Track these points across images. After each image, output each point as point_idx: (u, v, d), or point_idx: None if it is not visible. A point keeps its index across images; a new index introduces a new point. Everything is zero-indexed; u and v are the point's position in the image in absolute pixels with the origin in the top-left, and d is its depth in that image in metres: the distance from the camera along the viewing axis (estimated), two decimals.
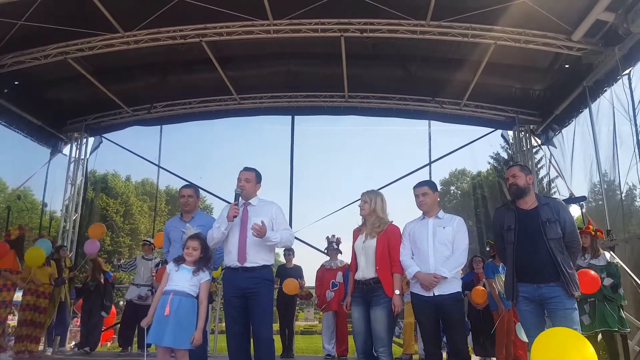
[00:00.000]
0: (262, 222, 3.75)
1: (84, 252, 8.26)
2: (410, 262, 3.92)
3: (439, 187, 4.33)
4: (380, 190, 4.19)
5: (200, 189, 4.68)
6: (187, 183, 5.12)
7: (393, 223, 4.02)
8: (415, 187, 4.10)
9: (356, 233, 4.10)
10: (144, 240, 8.04)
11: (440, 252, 3.83)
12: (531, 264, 3.57)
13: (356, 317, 3.89)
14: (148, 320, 3.61)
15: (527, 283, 3.57)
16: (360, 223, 4.14)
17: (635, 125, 6.48)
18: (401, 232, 4.00)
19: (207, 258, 3.79)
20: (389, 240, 3.92)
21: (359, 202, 4.09)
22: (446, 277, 3.74)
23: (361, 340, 3.85)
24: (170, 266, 3.74)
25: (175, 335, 3.44)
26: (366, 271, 3.90)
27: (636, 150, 6.40)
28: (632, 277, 5.88)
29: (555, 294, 3.46)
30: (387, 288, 3.80)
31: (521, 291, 3.60)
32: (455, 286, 3.85)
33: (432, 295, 3.78)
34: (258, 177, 4.16)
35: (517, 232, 3.68)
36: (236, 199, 3.96)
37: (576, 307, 3.49)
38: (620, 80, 6.87)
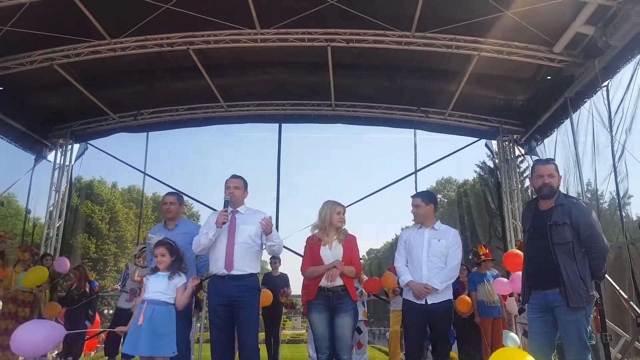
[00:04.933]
0: (270, 216, 3.90)
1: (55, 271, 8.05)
2: (404, 269, 4.01)
3: None
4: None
5: (187, 197, 4.70)
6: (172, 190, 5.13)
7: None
8: (411, 197, 4.17)
9: (316, 243, 4.03)
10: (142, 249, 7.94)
11: (434, 264, 3.90)
12: (537, 268, 3.45)
13: (319, 323, 3.91)
14: (124, 330, 3.61)
15: (536, 289, 3.44)
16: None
17: (612, 135, 6.64)
18: (397, 237, 4.08)
19: (179, 260, 3.79)
20: (351, 248, 4.02)
21: (336, 213, 4.04)
22: (437, 289, 3.81)
23: (325, 345, 3.88)
24: (147, 277, 3.76)
25: (151, 344, 3.44)
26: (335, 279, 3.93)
27: (613, 160, 6.55)
28: (614, 286, 5.99)
29: (559, 302, 3.27)
30: (352, 293, 3.92)
31: (531, 297, 3.49)
32: (447, 294, 3.94)
33: (424, 303, 3.85)
34: (246, 185, 4.22)
35: (530, 234, 3.58)
36: (225, 205, 4.00)
37: (579, 319, 3.22)
38: (600, 91, 7.04)
